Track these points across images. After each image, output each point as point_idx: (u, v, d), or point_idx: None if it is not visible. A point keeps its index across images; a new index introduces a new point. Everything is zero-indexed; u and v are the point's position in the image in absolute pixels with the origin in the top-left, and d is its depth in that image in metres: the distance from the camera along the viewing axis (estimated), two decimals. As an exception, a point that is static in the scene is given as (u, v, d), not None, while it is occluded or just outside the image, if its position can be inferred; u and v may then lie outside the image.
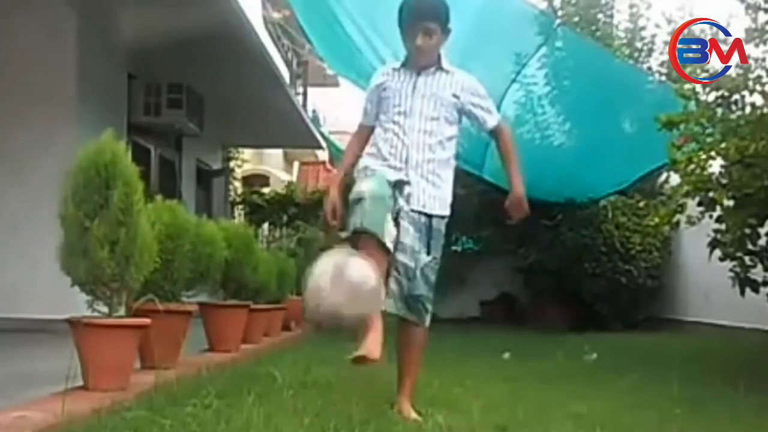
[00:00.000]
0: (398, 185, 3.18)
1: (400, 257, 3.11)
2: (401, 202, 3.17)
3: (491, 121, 3.40)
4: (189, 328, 4.08)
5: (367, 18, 7.33)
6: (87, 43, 6.89)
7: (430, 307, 3.23)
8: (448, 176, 3.31)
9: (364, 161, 3.34)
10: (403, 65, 3.36)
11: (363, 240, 2.95)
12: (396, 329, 3.24)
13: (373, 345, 2.81)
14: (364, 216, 2.97)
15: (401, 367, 3.25)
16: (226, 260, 4.75)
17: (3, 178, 6.65)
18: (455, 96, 3.29)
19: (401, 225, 3.13)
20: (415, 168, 3.21)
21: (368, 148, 3.41)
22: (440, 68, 3.32)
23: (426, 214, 3.19)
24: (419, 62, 3.30)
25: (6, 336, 5.69)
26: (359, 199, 3.03)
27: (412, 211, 3.17)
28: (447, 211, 3.28)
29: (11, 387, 2.97)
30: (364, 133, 3.45)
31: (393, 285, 3.11)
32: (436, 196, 3.24)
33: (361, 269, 2.73)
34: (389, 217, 3.04)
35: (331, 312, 2.69)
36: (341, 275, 2.68)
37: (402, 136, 3.24)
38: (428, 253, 3.18)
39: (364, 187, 3.09)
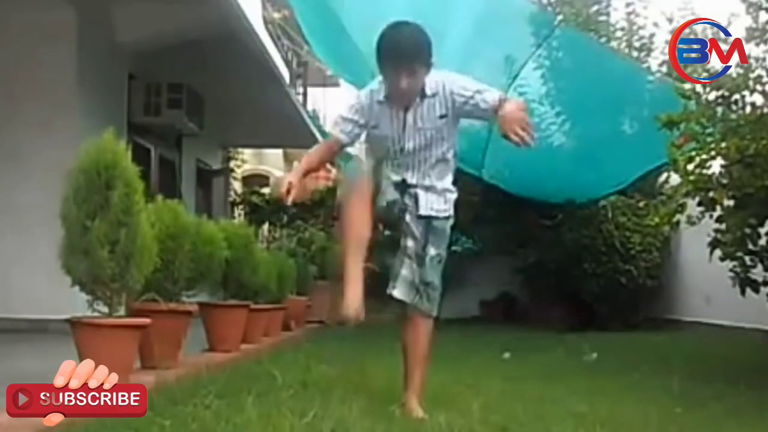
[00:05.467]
0: (403, 189, 3.20)
1: (411, 244, 3.19)
2: (408, 201, 3.20)
3: (491, 96, 3.14)
4: (189, 328, 4.08)
5: (367, 17, 7.32)
6: (87, 43, 6.89)
7: (437, 296, 3.22)
8: (450, 179, 3.32)
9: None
10: (387, 98, 3.18)
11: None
12: (401, 325, 3.24)
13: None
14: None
15: (409, 362, 3.21)
16: (226, 260, 4.75)
17: (3, 178, 6.65)
18: (443, 116, 3.19)
19: (408, 217, 3.19)
20: (417, 183, 3.23)
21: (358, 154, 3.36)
22: (424, 95, 3.15)
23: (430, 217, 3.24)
24: (402, 102, 3.15)
25: (5, 336, 5.70)
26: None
27: (419, 217, 3.21)
28: (451, 211, 3.30)
29: (11, 387, 2.96)
30: (336, 149, 3.34)
31: (405, 270, 3.16)
32: (440, 202, 3.26)
33: None
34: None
35: None
36: None
37: (399, 165, 3.22)
38: (426, 248, 3.21)
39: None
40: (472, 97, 3.15)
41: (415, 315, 3.18)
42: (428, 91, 3.15)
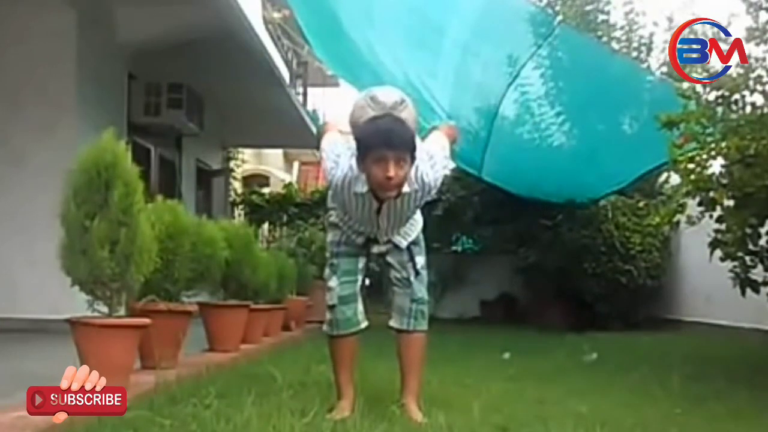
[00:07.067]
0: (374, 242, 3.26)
1: (393, 273, 3.28)
2: (383, 248, 3.26)
3: (441, 148, 3.23)
4: (189, 328, 4.08)
5: (366, 19, 7.32)
6: (87, 43, 6.89)
7: (427, 308, 3.28)
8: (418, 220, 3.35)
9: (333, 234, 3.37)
10: (369, 191, 2.99)
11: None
12: (395, 340, 3.28)
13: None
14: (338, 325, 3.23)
15: (405, 368, 3.25)
16: (226, 260, 4.75)
17: (3, 178, 6.65)
18: (418, 205, 3.17)
19: (389, 258, 3.28)
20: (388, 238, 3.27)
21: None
22: (400, 192, 2.99)
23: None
24: (386, 195, 2.96)
25: (6, 336, 5.70)
26: (332, 306, 3.21)
27: (400, 250, 3.28)
28: (420, 222, 3.36)
29: (11, 387, 2.96)
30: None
31: (397, 299, 3.26)
32: (412, 229, 3.30)
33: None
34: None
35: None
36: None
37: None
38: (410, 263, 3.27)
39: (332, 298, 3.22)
40: (435, 164, 3.11)
41: (407, 332, 3.25)
42: (406, 188, 2.99)
